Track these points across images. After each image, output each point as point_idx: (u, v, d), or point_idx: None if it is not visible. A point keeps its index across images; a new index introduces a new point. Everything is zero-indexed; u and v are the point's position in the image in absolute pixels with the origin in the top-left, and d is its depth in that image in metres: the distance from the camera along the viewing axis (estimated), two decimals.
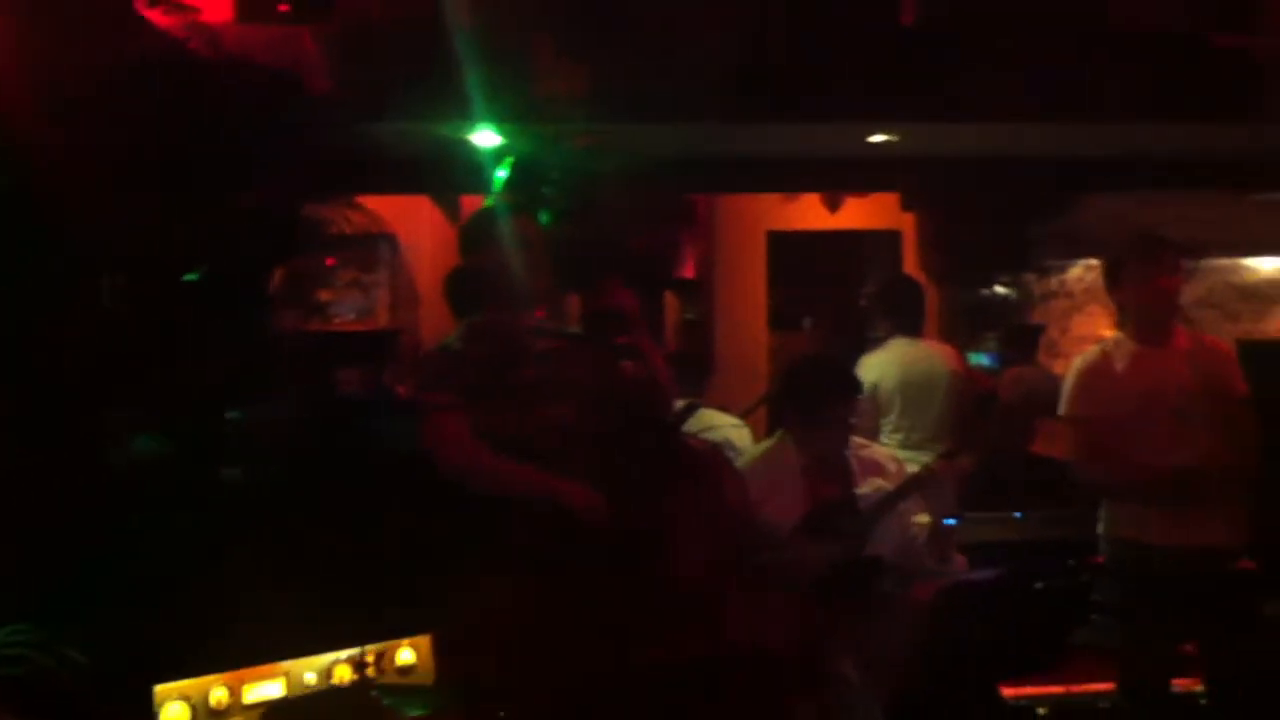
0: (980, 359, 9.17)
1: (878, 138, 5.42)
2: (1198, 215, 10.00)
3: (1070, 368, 4.34)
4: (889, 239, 9.77)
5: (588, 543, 3.05)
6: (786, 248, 9.57)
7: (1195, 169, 6.57)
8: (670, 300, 9.47)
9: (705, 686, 3.10)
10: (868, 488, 4.05)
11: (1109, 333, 10.87)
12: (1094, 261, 10.82)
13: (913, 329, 6.05)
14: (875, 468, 4.12)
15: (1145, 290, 4.19)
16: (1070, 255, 10.62)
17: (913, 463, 5.95)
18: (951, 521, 3.74)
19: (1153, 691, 4.21)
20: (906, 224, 9.58)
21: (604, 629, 2.97)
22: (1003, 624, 3.66)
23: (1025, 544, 4.73)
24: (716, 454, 3.67)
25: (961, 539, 4.29)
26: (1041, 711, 4.61)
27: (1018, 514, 4.93)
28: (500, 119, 4.93)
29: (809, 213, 9.51)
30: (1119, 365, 4.20)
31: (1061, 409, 4.26)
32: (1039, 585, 3.81)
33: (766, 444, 4.32)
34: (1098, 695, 4.57)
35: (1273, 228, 8.60)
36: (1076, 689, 4.68)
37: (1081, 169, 7.69)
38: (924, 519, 3.93)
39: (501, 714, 2.81)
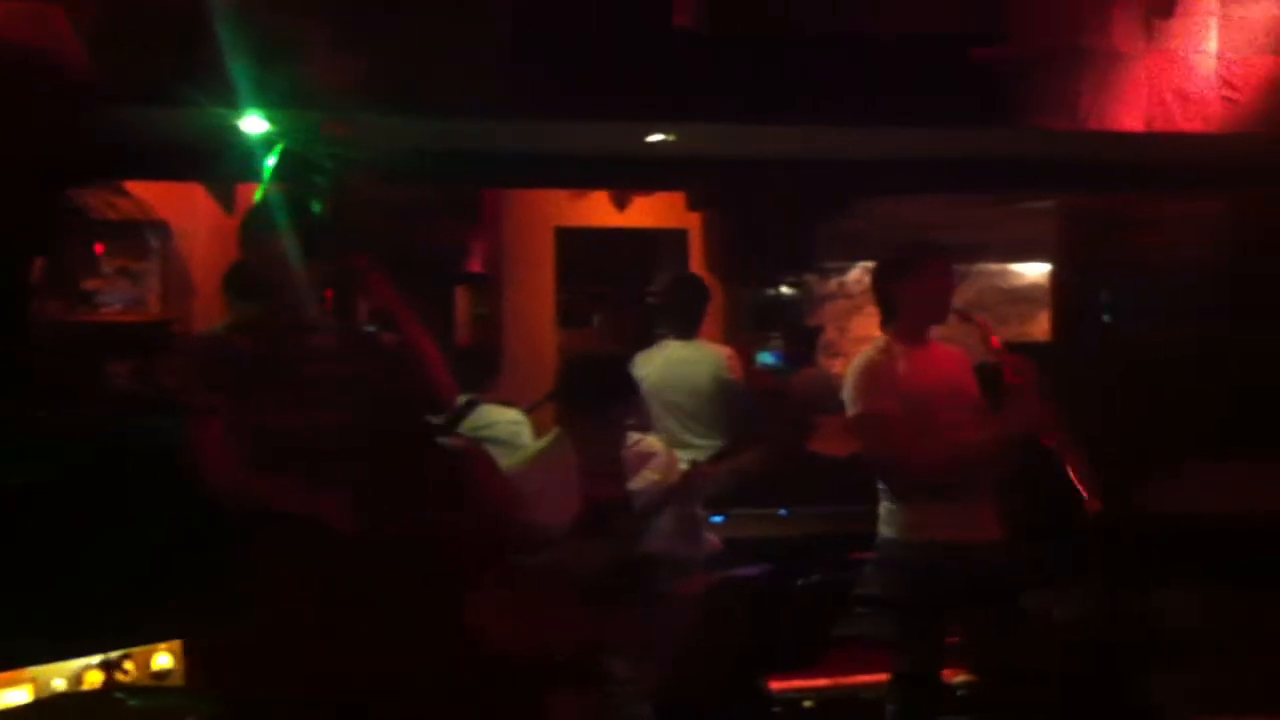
0: (766, 358, 9.34)
1: (656, 137, 5.42)
2: (969, 219, 10.37)
3: (851, 368, 4.40)
4: (676, 238, 9.83)
5: (343, 550, 2.97)
6: (575, 245, 9.53)
7: (966, 173, 6.75)
8: (461, 296, 9.35)
9: (465, 691, 3.06)
10: (641, 481, 4.04)
11: (876, 332, 11.15)
12: (872, 264, 11.11)
13: (685, 330, 6.10)
14: (648, 459, 4.12)
15: (917, 293, 4.29)
16: (850, 257, 10.86)
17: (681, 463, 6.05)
18: (717, 519, 3.75)
19: (921, 682, 4.32)
20: (694, 223, 9.67)
21: (360, 637, 2.90)
22: (766, 620, 3.70)
23: (794, 541, 4.79)
24: (479, 455, 3.61)
25: (734, 535, 4.32)
26: (808, 704, 4.68)
27: (782, 511, 5.00)
28: (270, 105, 4.78)
29: (597, 210, 9.50)
30: (896, 364, 4.29)
31: (849, 408, 4.32)
32: (802, 582, 3.85)
33: (542, 442, 4.28)
34: (864, 687, 4.66)
35: (1037, 233, 8.94)
36: (845, 681, 4.78)
37: (859, 171, 7.83)
38: (695, 517, 3.94)
39: None
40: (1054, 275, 8.48)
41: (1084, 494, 4.00)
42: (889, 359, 4.30)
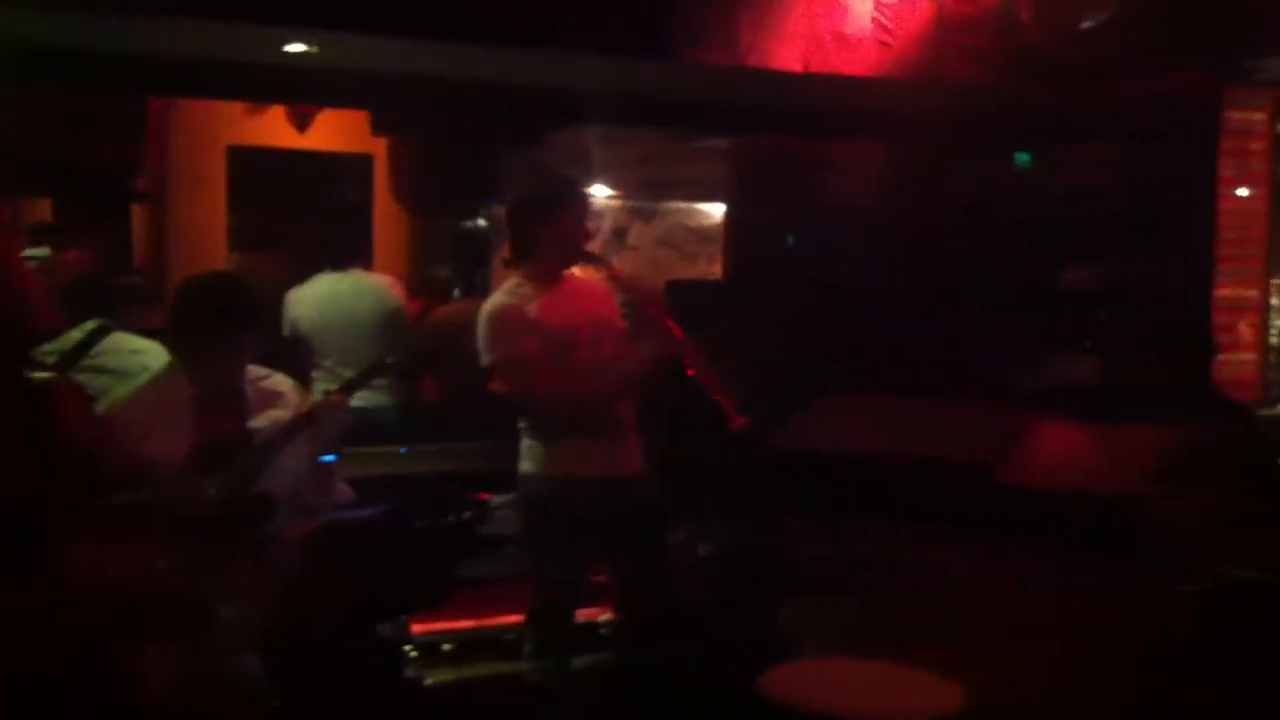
0: (457, 293, 9.13)
1: (296, 47, 5.07)
2: (657, 156, 10.40)
3: (482, 312, 4.25)
4: (359, 163, 9.49)
5: None
6: (249, 165, 9.06)
7: (642, 109, 6.64)
8: (138, 216, 8.71)
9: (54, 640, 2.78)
10: (264, 419, 3.78)
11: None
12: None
13: (340, 260, 5.87)
14: (275, 398, 3.85)
15: (553, 234, 4.20)
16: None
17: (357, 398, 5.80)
18: (330, 458, 3.54)
19: (557, 620, 4.26)
20: (379, 149, 9.33)
21: None
22: (382, 563, 3.53)
23: (415, 480, 4.63)
24: (64, 390, 3.28)
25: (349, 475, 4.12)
26: (448, 647, 4.57)
27: (402, 449, 4.84)
28: None
29: (276, 130, 9.05)
30: (528, 306, 4.18)
31: (483, 356, 4.19)
32: (423, 522, 3.70)
33: (152, 373, 3.96)
34: (507, 628, 4.57)
35: (718, 173, 8.99)
36: (488, 623, 4.68)
37: (541, 101, 7.59)
38: (319, 455, 3.71)
39: None
40: (727, 215, 8.55)
41: (729, 428, 3.98)
42: (521, 301, 4.18)
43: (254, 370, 3.86)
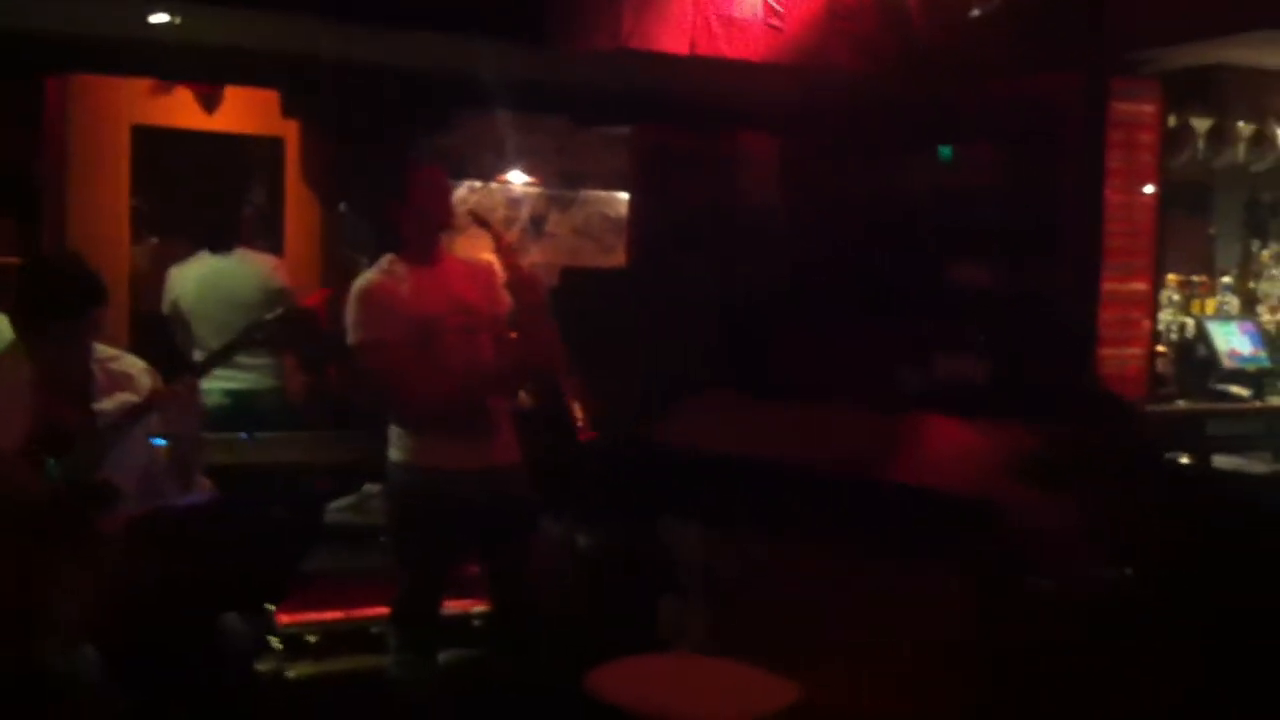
0: None
1: (159, 18, 4.91)
2: (572, 145, 10.31)
3: (351, 292, 4.17)
4: (270, 146, 9.30)
5: None
6: (154, 146, 8.83)
7: (539, 95, 6.52)
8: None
9: None
10: (112, 403, 3.65)
11: (489, 255, 11.01)
12: (477, 183, 10.93)
13: (221, 241, 5.76)
14: (124, 381, 3.72)
15: (410, 211, 4.14)
16: (455, 176, 10.64)
17: (231, 381, 5.67)
18: (159, 442, 3.41)
19: (422, 613, 4.17)
20: (290, 131, 9.15)
21: None
22: (205, 552, 3.41)
23: (259, 468, 4.51)
24: None
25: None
26: (312, 639, 4.46)
27: (243, 435, 4.72)
28: None
29: (183, 110, 8.83)
30: (399, 286, 4.10)
31: (349, 335, 4.10)
32: (261, 512, 3.58)
33: None
34: (374, 621, 4.46)
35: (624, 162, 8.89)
36: (356, 614, 4.57)
37: (459, 86, 7.45)
38: (163, 439, 3.58)
39: None
40: (630, 204, 8.47)
41: (577, 423, 3.92)
42: (392, 281, 4.11)
43: (102, 351, 3.74)
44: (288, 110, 8.62)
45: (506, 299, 4.25)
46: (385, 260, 4.19)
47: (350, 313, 4.10)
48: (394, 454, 4.16)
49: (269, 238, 8.51)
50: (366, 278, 4.18)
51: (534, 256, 10.87)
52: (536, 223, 11.14)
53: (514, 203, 11.04)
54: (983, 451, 4.00)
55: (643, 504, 4.67)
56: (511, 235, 11.11)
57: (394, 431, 4.16)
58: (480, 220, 4.45)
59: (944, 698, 3.58)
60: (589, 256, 10.73)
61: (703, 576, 4.39)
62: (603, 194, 11.03)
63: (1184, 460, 4.91)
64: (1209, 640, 3.90)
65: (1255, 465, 4.96)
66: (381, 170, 8.27)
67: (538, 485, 4.34)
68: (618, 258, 10.67)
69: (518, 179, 10.91)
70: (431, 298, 4.11)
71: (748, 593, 4.18)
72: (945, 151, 6.16)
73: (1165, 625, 3.88)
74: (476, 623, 4.63)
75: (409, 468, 4.12)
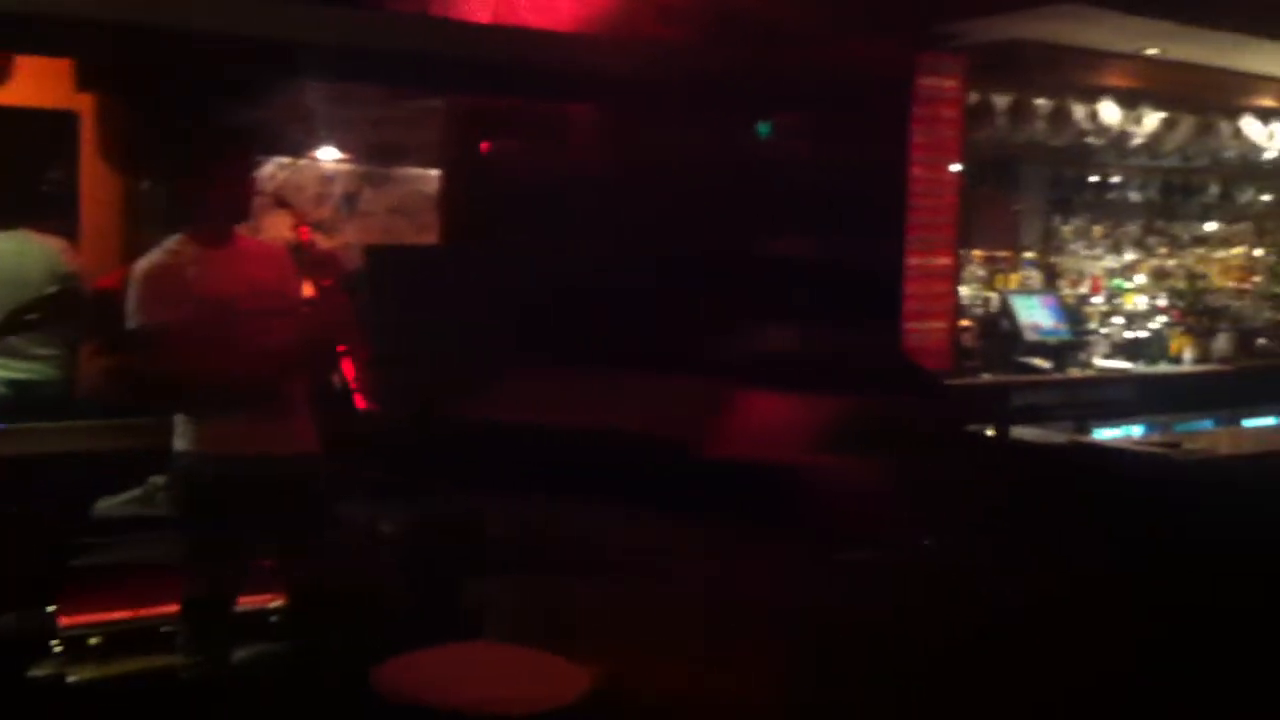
0: None
1: None
2: (394, 119, 10.03)
3: (132, 273, 3.94)
4: (63, 120, 8.84)
5: None
6: None
7: (352, 62, 6.26)
8: None
9: None
10: None
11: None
12: (286, 160, 10.58)
13: (3, 222, 5.45)
14: None
15: (213, 189, 3.94)
16: (264, 152, 10.28)
17: (11, 371, 5.35)
18: None
19: (214, 608, 3.97)
20: (85, 105, 8.72)
21: None
22: None
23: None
24: None
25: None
26: (95, 641, 4.21)
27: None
28: None
29: None
30: (186, 268, 3.89)
31: (129, 319, 3.87)
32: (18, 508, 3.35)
33: None
34: (163, 619, 4.23)
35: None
36: (143, 613, 4.33)
37: (272, 56, 7.13)
38: None
39: None
40: (441, 179, 8.28)
41: (358, 402, 3.78)
42: (178, 262, 3.90)
43: None
44: (82, 83, 8.22)
45: (302, 281, 4.09)
46: (172, 240, 3.97)
47: (130, 296, 3.87)
48: (179, 443, 3.95)
49: (63, 218, 8.10)
50: (149, 258, 3.96)
51: (347, 236, 10.59)
52: (350, 201, 10.84)
53: (326, 180, 10.73)
54: (792, 422, 3.99)
55: (454, 483, 4.53)
56: (323, 214, 10.80)
57: (179, 420, 3.95)
58: (282, 202, 4.27)
59: (759, 669, 3.54)
60: (406, 235, 10.48)
61: (514, 556, 4.28)
62: (421, 171, 10.78)
63: (986, 431, 4.98)
64: (1014, 605, 3.96)
65: (1054, 435, 5.06)
66: (177, 145, 7.93)
67: (338, 470, 4.16)
68: (435, 237, 10.45)
69: (330, 155, 10.60)
70: (222, 280, 3.91)
71: (558, 570, 4.09)
72: (763, 127, 6.15)
73: (975, 592, 3.92)
74: (274, 618, 4.42)
75: (195, 456, 3.91)
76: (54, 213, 7.17)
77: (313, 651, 4.14)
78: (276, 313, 4.00)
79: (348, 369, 4.14)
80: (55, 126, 8.78)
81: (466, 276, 5.64)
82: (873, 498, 3.87)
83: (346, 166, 10.86)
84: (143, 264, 3.94)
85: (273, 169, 10.69)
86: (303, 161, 10.64)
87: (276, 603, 4.44)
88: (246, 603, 4.20)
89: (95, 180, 8.82)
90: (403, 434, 4.57)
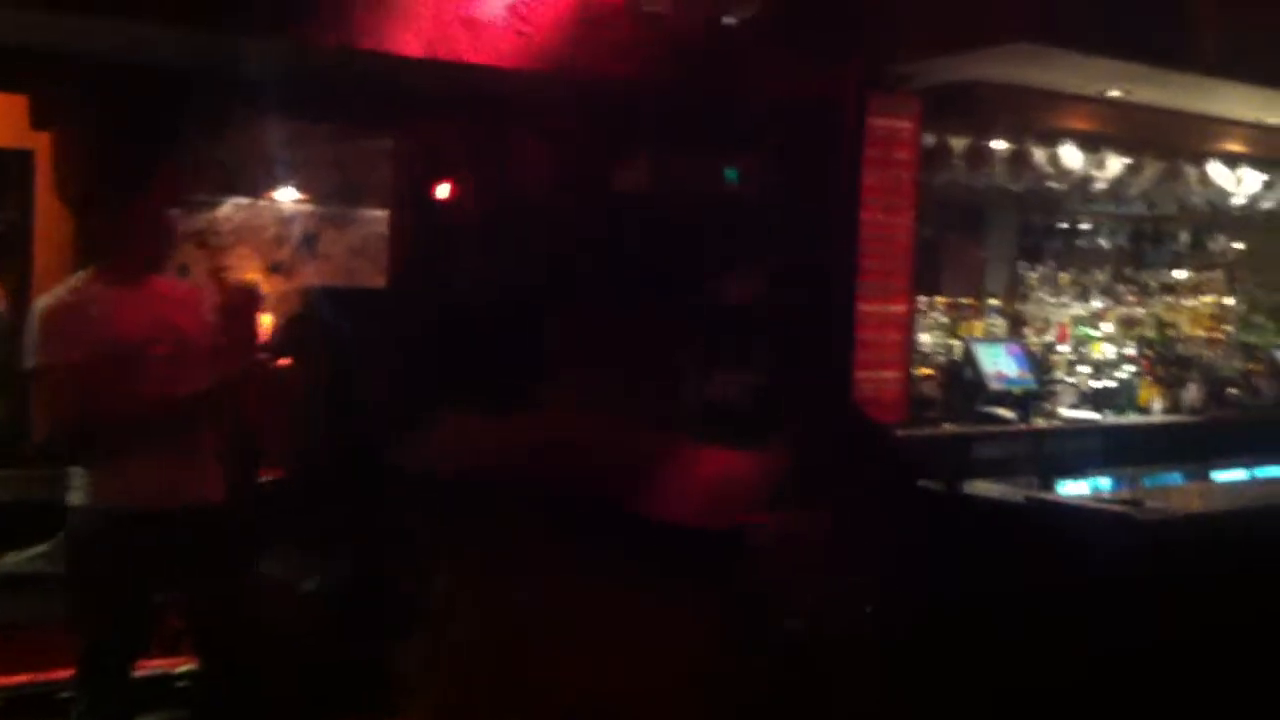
0: None
1: None
2: (355, 159, 9.86)
3: (34, 310, 3.76)
4: (18, 159, 8.69)
5: None
6: None
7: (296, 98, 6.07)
8: None
9: None
10: None
11: (255, 275, 10.46)
12: (244, 200, 10.40)
13: None
14: None
15: (128, 227, 3.84)
16: (220, 191, 10.12)
17: None
18: None
19: (109, 675, 3.73)
20: (41, 143, 8.57)
21: None
22: None
23: None
24: None
25: None
26: None
27: None
28: None
29: None
30: (90, 307, 3.72)
31: (26, 359, 3.67)
32: None
33: None
34: (64, 684, 3.99)
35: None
36: (43, 677, 4.10)
37: (227, 91, 6.94)
38: None
39: None
40: (390, 219, 8.10)
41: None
42: (80, 300, 3.76)
43: None
44: (36, 120, 8.05)
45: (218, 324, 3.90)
46: (76, 278, 3.82)
47: (29, 335, 3.69)
48: (74, 496, 3.77)
49: (14, 256, 7.94)
50: (52, 296, 3.81)
51: (307, 278, 10.40)
52: (309, 242, 10.66)
53: (285, 221, 10.55)
54: (726, 478, 3.76)
55: (377, 539, 4.32)
56: (282, 255, 10.61)
57: (74, 471, 3.74)
58: (202, 242, 4.12)
59: None
60: (366, 278, 10.31)
61: (438, 615, 4.05)
62: (381, 213, 10.60)
63: (937, 487, 4.77)
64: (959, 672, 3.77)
65: (1012, 491, 4.85)
66: (93, 180, 7.76)
67: (251, 524, 3.95)
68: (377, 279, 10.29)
69: (289, 195, 10.42)
70: (128, 321, 3.76)
71: (482, 631, 3.85)
72: (730, 172, 5.98)
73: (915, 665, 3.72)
74: (181, 683, 4.19)
75: (91, 510, 3.71)
76: (5, 251, 7.08)
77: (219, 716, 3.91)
78: (191, 355, 3.83)
79: (264, 418, 3.95)
80: (10, 165, 8.63)
81: (407, 319, 5.44)
82: (811, 560, 3.65)
83: (307, 207, 10.69)
84: (43, 300, 3.80)
85: (229, 209, 10.51)
86: (261, 202, 10.46)
87: (184, 666, 4.22)
88: (150, 666, 3.99)
89: (49, 219, 8.65)
90: (326, 486, 4.37)
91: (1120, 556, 4.20)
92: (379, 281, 10.07)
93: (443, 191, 6.19)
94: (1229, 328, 8.22)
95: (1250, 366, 8.04)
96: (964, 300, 7.07)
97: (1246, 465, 7.26)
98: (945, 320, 6.87)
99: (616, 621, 3.43)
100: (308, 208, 10.63)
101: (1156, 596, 3.93)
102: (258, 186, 10.19)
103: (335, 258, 10.77)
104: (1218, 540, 4.46)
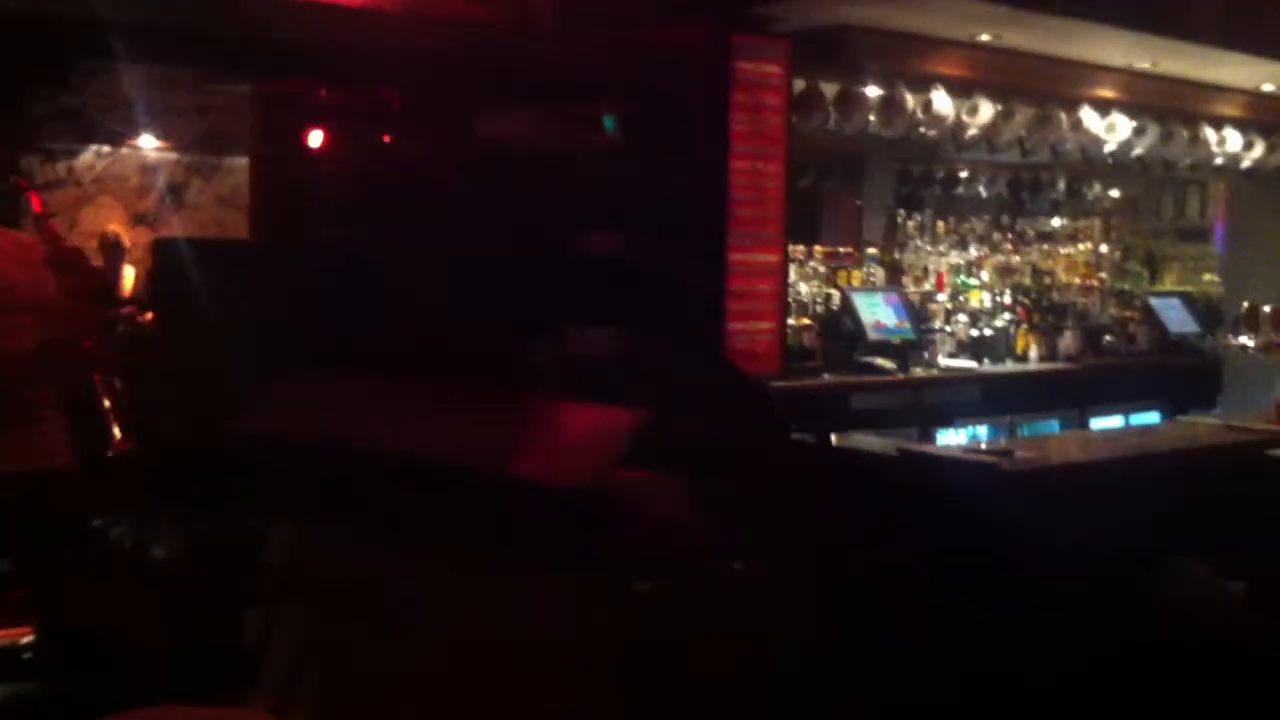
0: None
1: None
2: (222, 106, 9.51)
3: None
4: None
5: None
6: None
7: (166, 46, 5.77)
8: None
9: None
10: None
11: (118, 227, 10.08)
12: (107, 149, 10.02)
13: None
14: None
15: None
16: (81, 140, 9.75)
17: None
18: None
19: None
20: None
21: None
22: None
23: None
24: None
25: None
26: None
27: None
28: None
29: None
30: None
31: None
32: None
33: None
34: None
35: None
36: None
37: (86, 38, 6.58)
38: None
39: None
40: (250, 169, 7.83)
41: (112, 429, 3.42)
42: None
43: None
44: None
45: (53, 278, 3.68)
46: None
47: None
48: None
49: None
50: None
51: (174, 229, 10.08)
52: (176, 192, 10.33)
53: (149, 170, 10.20)
54: (591, 436, 3.64)
55: (226, 505, 4.14)
56: (147, 206, 10.26)
57: None
58: (17, 188, 3.88)
59: (548, 708, 3.21)
60: (236, 228, 10.03)
61: (288, 584, 3.89)
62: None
63: (810, 440, 4.70)
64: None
65: (886, 443, 4.80)
66: None
67: (97, 489, 3.76)
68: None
69: (149, 143, 10.07)
70: None
71: (334, 600, 3.71)
72: (608, 120, 5.81)
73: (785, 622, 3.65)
74: (26, 654, 3.98)
75: None
76: None
77: (66, 693, 3.73)
78: (24, 310, 3.62)
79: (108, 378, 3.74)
80: None
81: (265, 274, 5.22)
82: (678, 517, 3.55)
83: (172, 155, 10.34)
84: None
85: (90, 158, 10.13)
86: (124, 150, 10.09)
87: (27, 638, 4.01)
88: None
89: None
90: (178, 451, 4.17)
91: (989, 508, 4.17)
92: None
93: (301, 141, 5.95)
94: (1104, 275, 8.29)
95: (1126, 314, 8.12)
96: (842, 249, 7.00)
97: (1123, 412, 7.35)
98: (823, 269, 6.80)
99: (465, 582, 3.31)
100: (173, 156, 10.30)
101: (1024, 547, 3.90)
102: (119, 135, 9.84)
103: (203, 207, 10.47)
104: (1086, 490, 4.45)
